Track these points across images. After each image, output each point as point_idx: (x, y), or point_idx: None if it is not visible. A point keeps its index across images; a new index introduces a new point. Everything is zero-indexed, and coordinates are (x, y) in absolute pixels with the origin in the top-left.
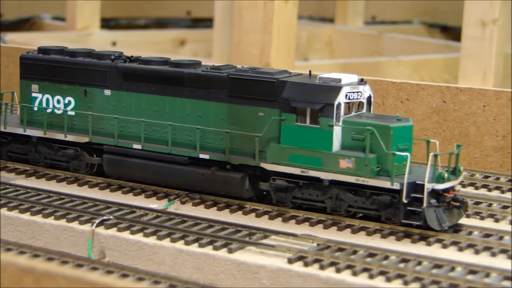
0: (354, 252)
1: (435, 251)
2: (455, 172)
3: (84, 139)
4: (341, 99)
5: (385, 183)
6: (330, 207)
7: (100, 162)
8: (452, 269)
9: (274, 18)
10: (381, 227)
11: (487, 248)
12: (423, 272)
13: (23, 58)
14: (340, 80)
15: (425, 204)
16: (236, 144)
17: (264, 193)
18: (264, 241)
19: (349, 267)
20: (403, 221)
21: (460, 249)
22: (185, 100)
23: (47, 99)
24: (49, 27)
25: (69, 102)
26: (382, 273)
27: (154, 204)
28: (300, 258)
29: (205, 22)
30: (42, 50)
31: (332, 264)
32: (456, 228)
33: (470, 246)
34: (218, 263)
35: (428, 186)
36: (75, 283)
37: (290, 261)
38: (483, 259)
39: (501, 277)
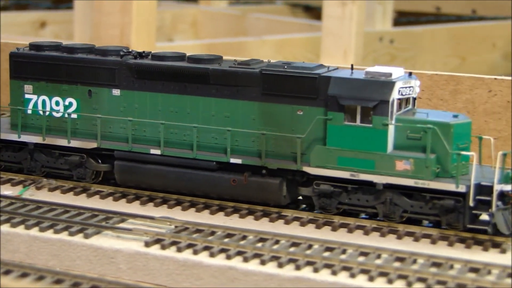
0: (212, 233)
1: (292, 229)
2: None
3: (91, 144)
4: (394, 95)
5: (448, 186)
6: (382, 212)
7: (109, 169)
8: (310, 246)
9: None
10: (239, 207)
11: (328, 225)
12: (280, 251)
13: (14, 55)
14: (390, 74)
15: (494, 208)
16: (270, 147)
17: (299, 198)
18: (121, 225)
19: (206, 248)
20: (469, 226)
21: (318, 227)
22: (210, 99)
23: (44, 101)
24: None
25: (70, 103)
26: (239, 253)
27: (8, 190)
28: (158, 241)
29: (67, 3)
30: (34, 46)
31: (190, 246)
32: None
33: (327, 223)
34: (74, 249)
35: (497, 187)
36: None
37: (147, 244)
38: (339, 235)
39: (357, 252)
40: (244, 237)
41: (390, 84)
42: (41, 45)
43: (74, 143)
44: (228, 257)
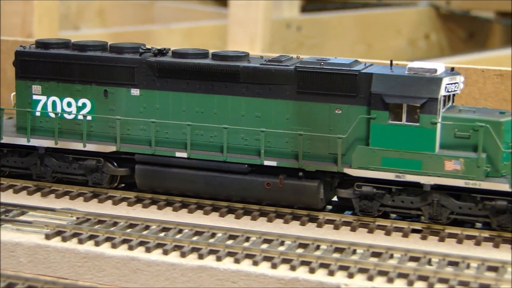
0: (115, 224)
1: (196, 218)
2: None
3: (110, 148)
4: (442, 92)
5: (502, 186)
6: (428, 214)
7: (127, 173)
8: (213, 235)
9: None
10: (142, 197)
11: (232, 213)
12: (183, 240)
13: (20, 53)
14: (435, 70)
15: None
16: (305, 147)
17: (332, 199)
18: (21, 217)
19: (108, 239)
20: None
21: (221, 215)
22: (240, 98)
23: (54, 102)
24: None
25: (84, 104)
26: (142, 243)
27: None
28: (58, 233)
29: None
30: (41, 43)
31: (91, 237)
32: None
33: (231, 211)
34: None
35: None
36: None
37: (48, 236)
38: (243, 223)
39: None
40: (147, 227)
41: (437, 81)
42: (48, 42)
43: (90, 147)
44: (131, 248)
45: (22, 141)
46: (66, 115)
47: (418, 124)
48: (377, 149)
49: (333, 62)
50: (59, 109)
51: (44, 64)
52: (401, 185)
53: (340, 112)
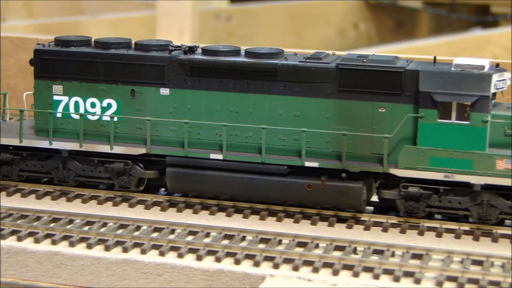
0: (38, 219)
1: (120, 211)
2: None
3: (139, 150)
4: (492, 89)
5: None
6: (477, 215)
7: (156, 176)
8: (138, 228)
9: None
10: (66, 190)
11: (158, 205)
12: (107, 234)
13: (40, 52)
14: (483, 66)
15: None
16: (347, 147)
17: (371, 199)
18: None
19: (31, 234)
20: None
21: (147, 208)
22: (277, 97)
23: (76, 103)
24: None
25: (109, 105)
26: (65, 237)
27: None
28: None
29: None
30: (61, 41)
31: (14, 232)
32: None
33: (156, 203)
34: None
35: None
36: None
37: None
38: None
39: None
40: (70, 221)
41: (487, 78)
42: (68, 40)
43: (118, 149)
44: (54, 242)
45: (43, 144)
46: (89, 116)
47: (468, 122)
48: (425, 149)
49: (374, 59)
50: (82, 110)
51: (66, 63)
52: (450, 185)
53: (384, 110)
